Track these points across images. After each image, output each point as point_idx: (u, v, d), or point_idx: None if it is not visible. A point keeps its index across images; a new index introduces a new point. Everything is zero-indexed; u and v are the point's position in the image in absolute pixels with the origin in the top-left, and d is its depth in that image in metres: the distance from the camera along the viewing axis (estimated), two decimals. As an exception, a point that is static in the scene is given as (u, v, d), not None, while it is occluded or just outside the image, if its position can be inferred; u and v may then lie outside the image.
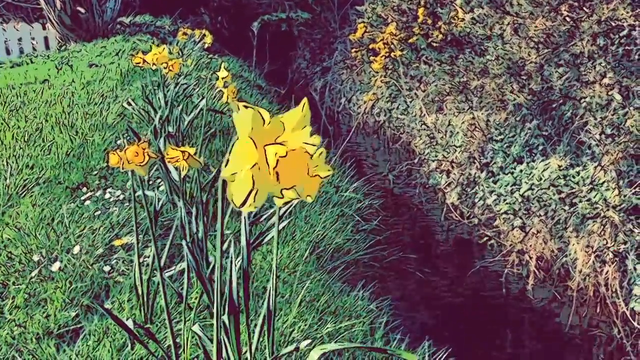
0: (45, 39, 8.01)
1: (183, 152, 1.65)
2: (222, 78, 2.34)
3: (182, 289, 2.00)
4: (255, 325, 1.38)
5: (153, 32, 7.86)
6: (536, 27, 3.85)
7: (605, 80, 3.65)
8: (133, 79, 5.43)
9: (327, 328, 1.77)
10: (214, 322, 0.97)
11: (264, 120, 0.66)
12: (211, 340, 1.29)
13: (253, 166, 0.66)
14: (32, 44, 8.01)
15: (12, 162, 3.46)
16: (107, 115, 4.27)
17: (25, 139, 3.87)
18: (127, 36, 7.56)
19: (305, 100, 0.68)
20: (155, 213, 1.88)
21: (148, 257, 2.24)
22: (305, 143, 0.65)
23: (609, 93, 3.63)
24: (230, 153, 0.69)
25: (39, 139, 3.88)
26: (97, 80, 5.42)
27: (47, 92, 5.13)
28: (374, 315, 2.08)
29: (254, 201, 0.66)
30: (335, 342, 1.74)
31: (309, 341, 1.14)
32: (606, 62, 3.73)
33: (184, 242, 1.42)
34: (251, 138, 0.66)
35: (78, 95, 4.90)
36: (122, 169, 1.43)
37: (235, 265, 1.10)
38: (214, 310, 0.96)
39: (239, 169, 0.66)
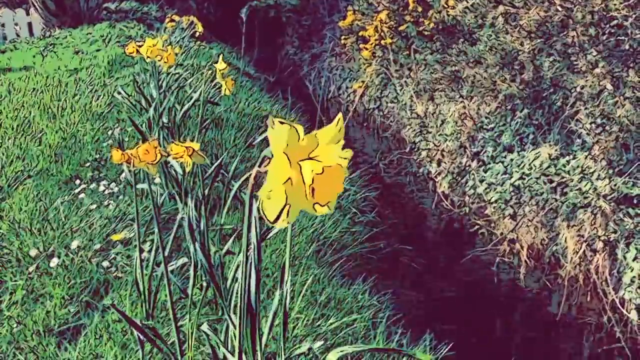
0: (29, 24, 7.86)
1: (187, 147, 1.63)
2: (220, 70, 2.32)
3: (183, 284, 2.00)
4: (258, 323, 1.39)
5: (140, 18, 7.75)
6: (529, 17, 3.86)
7: (597, 70, 3.68)
8: (121, 67, 5.36)
9: (331, 323, 1.78)
10: (238, 322, 0.98)
11: (299, 136, 0.66)
12: (221, 340, 1.30)
13: (286, 181, 0.66)
14: (16, 30, 7.85)
15: (2, 154, 3.41)
16: (97, 104, 4.21)
17: (14, 129, 3.81)
18: (113, 22, 7.45)
19: (340, 115, 0.67)
20: (158, 207, 1.88)
21: (148, 252, 2.23)
22: (340, 157, 0.65)
23: (601, 83, 3.66)
24: (260, 165, 0.68)
25: (28, 129, 3.82)
26: (84, 68, 5.34)
27: (32, 79, 5.04)
28: (375, 309, 2.10)
29: (287, 217, 0.66)
30: (338, 337, 1.75)
31: (321, 342, 1.15)
32: (597, 51, 3.76)
33: (193, 243, 1.42)
34: (285, 153, 0.65)
35: (65, 84, 4.82)
36: (133, 167, 1.41)
37: (250, 264, 1.10)
38: (239, 312, 0.97)
39: (275, 187, 0.65)
